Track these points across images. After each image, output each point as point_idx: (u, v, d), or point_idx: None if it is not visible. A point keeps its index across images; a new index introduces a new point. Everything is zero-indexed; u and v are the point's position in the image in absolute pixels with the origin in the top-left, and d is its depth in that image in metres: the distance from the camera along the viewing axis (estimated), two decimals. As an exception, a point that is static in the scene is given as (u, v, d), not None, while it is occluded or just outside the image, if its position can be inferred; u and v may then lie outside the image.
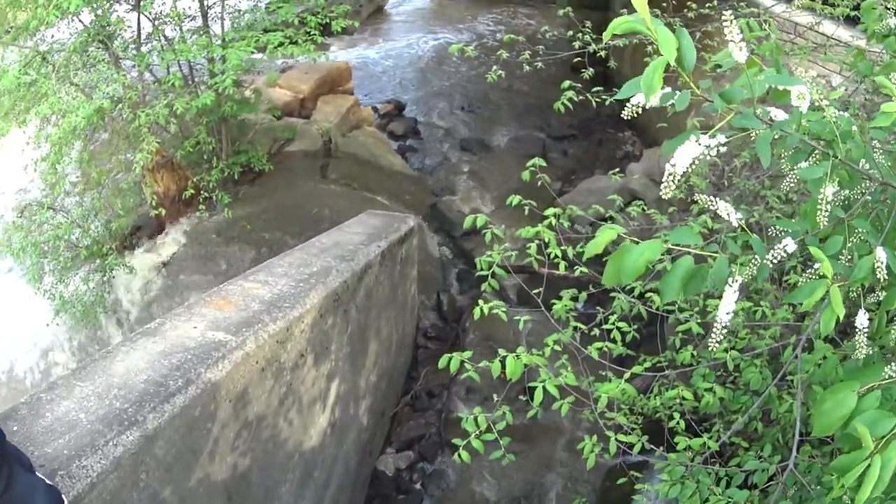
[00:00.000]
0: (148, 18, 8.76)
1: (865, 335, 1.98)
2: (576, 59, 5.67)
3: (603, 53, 5.59)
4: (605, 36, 1.78)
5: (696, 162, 1.70)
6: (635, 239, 1.81)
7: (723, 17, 1.76)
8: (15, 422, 3.48)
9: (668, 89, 1.75)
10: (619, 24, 1.69)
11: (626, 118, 1.89)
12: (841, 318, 1.84)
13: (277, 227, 9.65)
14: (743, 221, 1.87)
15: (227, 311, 4.64)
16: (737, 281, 1.82)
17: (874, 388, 1.81)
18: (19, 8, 8.20)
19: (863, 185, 2.09)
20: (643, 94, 1.69)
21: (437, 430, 7.50)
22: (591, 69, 5.68)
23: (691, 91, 1.79)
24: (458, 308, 9.42)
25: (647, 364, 4.34)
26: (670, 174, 1.70)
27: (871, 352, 2.07)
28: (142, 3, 8.30)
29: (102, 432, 3.44)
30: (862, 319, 1.95)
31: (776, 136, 1.88)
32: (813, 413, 1.97)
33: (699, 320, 4.32)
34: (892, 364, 1.88)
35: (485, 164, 12.99)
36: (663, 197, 1.76)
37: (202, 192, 8.98)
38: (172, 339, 4.26)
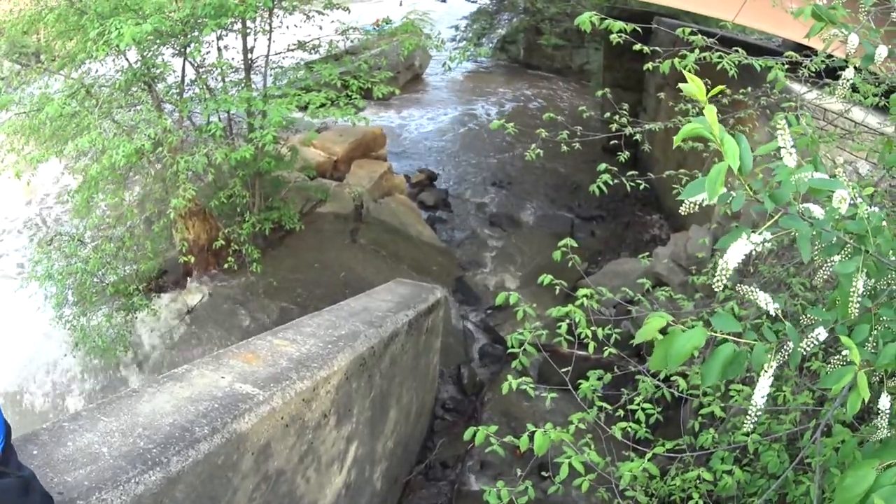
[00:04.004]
0: (192, 66, 8.96)
1: (886, 417, 2.04)
2: (612, 142, 5.76)
3: (638, 137, 5.69)
4: (676, 140, 1.90)
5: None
6: (682, 326, 1.89)
7: (777, 128, 1.86)
8: (36, 446, 3.55)
9: (724, 190, 1.85)
10: (688, 130, 1.80)
11: (682, 213, 2.01)
12: (866, 401, 1.92)
13: (304, 288, 9.74)
14: (778, 310, 1.96)
15: (255, 365, 4.71)
16: (772, 367, 1.90)
17: (892, 465, 1.87)
18: (69, 38, 8.39)
19: (889, 275, 2.16)
20: (707, 195, 1.79)
21: (448, 501, 7.47)
22: (625, 151, 5.78)
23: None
24: (477, 382, 9.42)
25: (669, 445, 4.35)
26: (723, 269, 1.84)
27: (890, 433, 2.13)
28: (188, 50, 8.47)
29: (125, 469, 3.49)
30: (884, 402, 2.06)
31: (815, 233, 1.98)
32: (834, 489, 2.01)
33: (721, 404, 4.34)
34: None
35: (512, 240, 13.10)
36: (716, 290, 1.85)
37: (232, 244, 9.07)
38: (200, 386, 4.33)
